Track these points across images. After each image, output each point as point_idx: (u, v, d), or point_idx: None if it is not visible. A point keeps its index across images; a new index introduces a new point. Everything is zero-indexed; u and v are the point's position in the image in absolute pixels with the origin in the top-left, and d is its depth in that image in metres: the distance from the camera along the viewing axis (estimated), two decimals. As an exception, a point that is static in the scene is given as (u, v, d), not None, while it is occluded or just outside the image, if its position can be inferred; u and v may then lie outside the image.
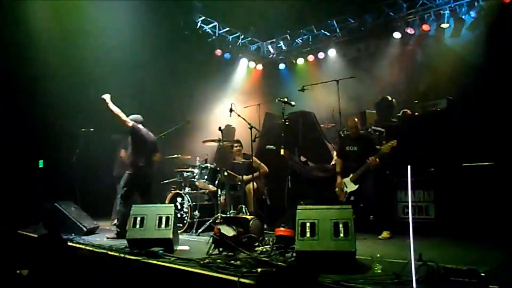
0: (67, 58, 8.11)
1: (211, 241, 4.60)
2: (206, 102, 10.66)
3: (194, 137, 8.76)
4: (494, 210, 5.23)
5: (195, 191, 7.30)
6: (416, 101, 7.62)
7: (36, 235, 5.66)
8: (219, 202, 6.76)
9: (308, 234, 3.74)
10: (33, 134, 7.91)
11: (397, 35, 9.88)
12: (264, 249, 4.66)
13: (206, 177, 6.88)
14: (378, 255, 3.59)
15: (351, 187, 6.02)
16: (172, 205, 5.50)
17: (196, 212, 6.78)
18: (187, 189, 7.28)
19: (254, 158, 6.68)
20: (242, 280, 3.21)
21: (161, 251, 4.38)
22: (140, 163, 6.31)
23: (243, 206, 6.29)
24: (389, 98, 8.82)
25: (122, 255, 4.43)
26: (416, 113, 7.39)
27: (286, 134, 6.14)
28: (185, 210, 6.88)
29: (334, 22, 10.79)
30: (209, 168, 6.94)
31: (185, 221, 6.80)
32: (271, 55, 12.50)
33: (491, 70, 7.56)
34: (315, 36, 11.43)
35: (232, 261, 3.83)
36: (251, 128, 6.23)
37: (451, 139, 6.09)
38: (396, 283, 3.07)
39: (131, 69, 8.81)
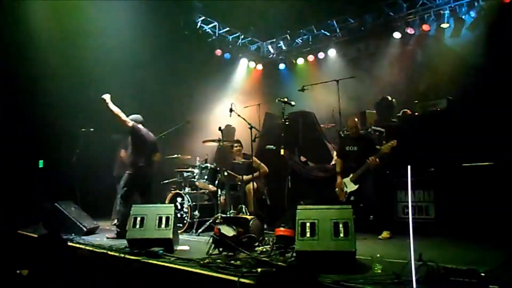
0: (67, 58, 8.11)
1: (211, 241, 4.60)
2: (206, 102, 10.66)
3: (194, 137, 8.76)
4: (494, 210, 5.23)
5: (195, 191, 7.30)
6: (416, 101, 7.62)
7: (36, 235, 5.66)
8: (219, 202, 6.76)
9: (308, 234, 3.74)
10: (33, 134, 7.91)
11: (397, 35, 9.88)
12: (264, 249, 4.66)
13: (206, 177, 6.88)
14: (378, 255, 3.59)
15: (351, 187, 6.02)
16: (172, 205, 5.50)
17: (196, 212, 6.78)
18: (187, 189, 7.28)
19: (254, 158, 6.68)
20: (242, 280, 3.21)
21: (161, 251, 4.38)
22: (140, 163, 6.31)
23: (243, 206, 6.29)
24: (389, 98, 8.82)
25: (122, 255, 4.43)
26: (416, 113, 7.39)
27: (286, 134, 6.14)
28: (185, 210, 6.88)
29: (334, 22, 10.80)
30: (209, 168, 6.94)
31: (185, 221, 6.80)
32: (271, 55, 12.51)
33: (491, 70, 7.56)
34: (315, 36, 11.43)
35: (232, 261, 3.83)
36: (251, 128, 6.23)
37: (451, 139, 6.09)
38: (396, 283, 3.07)
39: (131, 69, 8.81)
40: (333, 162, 7.14)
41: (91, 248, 5.01)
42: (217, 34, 11.23)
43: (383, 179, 6.39)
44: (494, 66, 7.59)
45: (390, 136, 6.66)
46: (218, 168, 6.94)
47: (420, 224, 6.00)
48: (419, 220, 6.05)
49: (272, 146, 7.26)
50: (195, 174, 7.14)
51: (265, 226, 6.14)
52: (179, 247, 5.02)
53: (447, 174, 6.01)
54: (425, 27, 9.49)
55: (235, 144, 7.36)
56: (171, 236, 4.73)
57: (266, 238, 5.18)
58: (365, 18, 10.29)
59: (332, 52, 11.10)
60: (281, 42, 12.13)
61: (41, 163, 8.27)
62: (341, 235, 3.67)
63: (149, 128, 6.70)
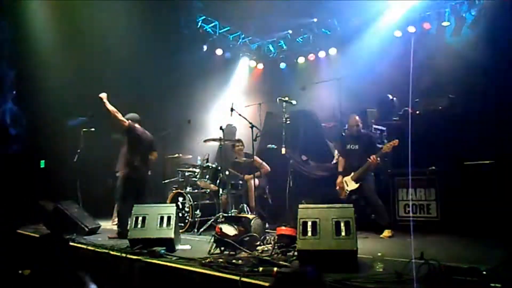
0: (68, 57, 8.13)
1: (212, 240, 4.60)
2: (207, 102, 10.66)
3: (195, 137, 8.77)
4: (496, 208, 5.22)
5: (196, 191, 7.31)
6: (418, 100, 7.60)
7: (37, 235, 5.67)
8: (220, 201, 6.76)
9: (309, 233, 3.74)
10: (34, 134, 7.92)
11: (398, 33, 9.85)
12: (266, 248, 4.66)
13: (207, 176, 6.88)
14: (379, 254, 3.59)
15: (352, 185, 6.02)
16: (174, 204, 5.51)
17: (198, 212, 6.79)
18: (188, 189, 7.29)
19: (255, 157, 6.68)
20: (243, 279, 3.21)
21: (162, 251, 4.39)
22: (135, 162, 6.27)
23: (245, 205, 6.28)
24: (390, 96, 8.81)
25: (124, 255, 4.43)
26: (418, 112, 7.38)
27: (287, 133, 6.15)
28: (186, 209, 6.89)
29: (335, 21, 10.77)
30: (210, 167, 6.94)
31: (186, 221, 6.80)
32: (272, 54, 12.48)
33: (492, 68, 7.55)
34: (316, 35, 11.41)
35: (234, 261, 3.83)
36: (252, 127, 6.23)
37: (452, 137, 6.09)
38: (398, 282, 3.06)
39: (131, 69, 8.81)
40: (334, 161, 7.14)
41: (93, 248, 5.01)
42: (217, 34, 11.22)
43: (385, 178, 6.39)
44: (495, 64, 7.57)
45: (392, 134, 6.66)
46: (219, 167, 6.95)
47: (422, 223, 6.01)
48: (421, 219, 6.05)
49: (273, 145, 7.26)
50: (196, 174, 7.15)
51: (267, 225, 6.15)
52: (181, 247, 5.02)
53: (448, 173, 6.01)
54: (426, 25, 9.46)
55: (237, 144, 7.37)
56: (172, 235, 4.74)
57: (267, 237, 5.18)
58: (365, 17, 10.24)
59: (333, 51, 11.08)
60: (282, 41, 12.11)
61: (42, 163, 8.29)
62: (343, 234, 3.67)
63: (150, 128, 6.70)
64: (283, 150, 5.85)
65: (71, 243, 5.26)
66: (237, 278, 3.25)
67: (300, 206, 4.03)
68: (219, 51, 11.42)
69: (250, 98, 10.25)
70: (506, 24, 7.77)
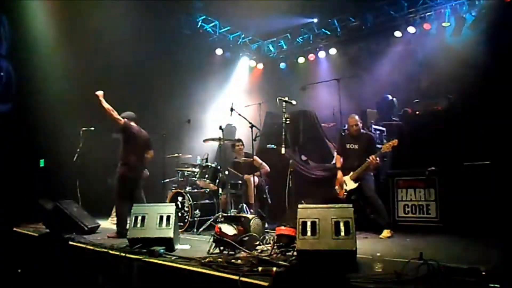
0: (67, 57, 8.12)
1: (212, 240, 4.59)
2: (206, 101, 10.67)
3: (195, 136, 8.77)
4: (496, 208, 5.23)
5: (196, 190, 7.31)
6: (417, 100, 7.61)
7: (37, 234, 5.67)
8: (220, 201, 6.76)
9: (309, 233, 3.73)
10: (34, 133, 7.92)
11: (398, 34, 9.87)
12: (265, 248, 4.66)
13: (207, 176, 6.88)
14: (378, 254, 3.58)
15: (350, 185, 6.01)
16: (173, 204, 5.49)
17: (197, 211, 6.78)
18: (188, 188, 7.28)
19: (255, 157, 6.68)
20: (242, 279, 3.21)
21: (162, 250, 4.38)
22: (131, 160, 6.26)
23: (244, 205, 6.27)
24: (390, 97, 8.82)
25: (123, 254, 4.42)
26: (417, 112, 7.39)
27: (287, 133, 6.13)
28: (186, 209, 6.88)
29: (335, 21, 10.78)
30: (210, 167, 6.94)
31: (186, 220, 6.80)
32: (272, 54, 12.50)
33: (492, 69, 7.56)
34: (316, 35, 11.42)
35: (233, 260, 3.82)
36: (251, 127, 6.23)
37: (452, 137, 6.10)
38: (397, 282, 3.06)
39: (131, 68, 8.81)
40: (333, 161, 7.15)
41: (92, 247, 5.01)
42: (217, 33, 11.22)
43: (384, 178, 6.39)
44: (495, 65, 7.58)
45: (391, 135, 6.67)
46: (219, 167, 6.94)
47: (421, 223, 6.01)
48: (420, 219, 6.05)
49: (273, 145, 7.26)
50: (196, 173, 7.15)
51: (266, 225, 6.14)
52: (180, 246, 5.02)
53: (448, 173, 6.01)
54: (426, 26, 9.48)
55: (237, 143, 7.37)
56: (172, 235, 4.73)
57: (267, 237, 5.17)
58: (366, 17, 10.28)
59: (333, 51, 11.10)
60: (282, 41, 12.12)
61: (42, 162, 8.28)
62: (342, 234, 3.67)
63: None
64: (283, 150, 5.83)
65: (70, 242, 5.26)
66: (236, 277, 3.24)
67: (300, 206, 4.02)
68: (219, 51, 11.43)
69: (250, 98, 10.27)
70: (506, 24, 7.78)
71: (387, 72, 9.88)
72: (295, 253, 3.85)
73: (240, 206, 6.62)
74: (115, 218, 6.43)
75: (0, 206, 6.75)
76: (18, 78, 7.85)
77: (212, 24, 11.08)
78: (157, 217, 4.84)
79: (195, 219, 6.70)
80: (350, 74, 8.58)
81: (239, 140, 7.42)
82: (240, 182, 6.91)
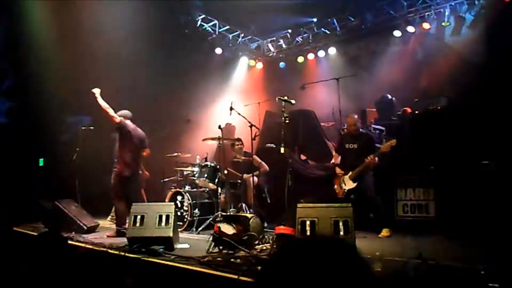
0: (67, 56, 8.11)
1: (211, 239, 4.60)
2: (206, 101, 10.65)
3: (194, 136, 8.76)
4: (495, 208, 5.23)
5: (195, 190, 7.31)
6: (416, 99, 7.61)
7: (36, 234, 5.67)
8: (219, 200, 6.76)
9: (308, 232, 3.74)
10: (33, 132, 7.91)
11: (397, 33, 9.87)
12: (264, 248, 4.67)
13: (206, 175, 6.88)
14: (377, 253, 3.59)
15: (349, 185, 6.02)
16: (172, 203, 5.50)
17: (196, 211, 6.79)
18: (187, 188, 7.28)
19: (254, 156, 6.68)
20: (242, 278, 3.21)
21: (161, 249, 4.39)
22: (127, 158, 6.26)
23: (243, 204, 6.27)
24: (389, 96, 8.82)
25: (123, 254, 4.43)
26: (416, 111, 7.39)
27: (286, 132, 6.13)
28: (185, 208, 6.88)
29: (335, 20, 10.78)
30: (209, 166, 6.95)
31: (185, 219, 6.80)
32: (271, 53, 12.48)
33: (491, 69, 7.56)
34: (316, 34, 11.41)
35: (232, 259, 3.83)
36: (251, 126, 6.24)
37: (451, 137, 6.10)
38: (396, 281, 3.07)
39: (131, 67, 8.80)
40: (333, 160, 7.15)
41: (91, 247, 5.01)
42: (217, 33, 11.21)
43: (383, 177, 6.40)
44: (494, 65, 7.58)
45: (391, 134, 6.67)
46: (218, 166, 6.95)
47: (420, 222, 6.01)
48: (419, 218, 6.05)
49: (272, 145, 7.27)
50: (195, 173, 7.15)
51: (265, 224, 6.15)
52: (179, 245, 5.03)
53: (447, 172, 6.02)
54: (426, 25, 9.48)
55: (237, 143, 7.37)
56: (171, 234, 4.74)
57: (266, 236, 5.19)
58: (365, 17, 10.27)
59: (332, 51, 11.08)
60: (281, 40, 12.11)
61: (41, 162, 8.28)
62: (341, 233, 3.68)
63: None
64: (282, 149, 5.84)
65: (69, 242, 5.26)
66: (236, 277, 3.25)
67: (299, 205, 4.03)
68: (218, 50, 11.42)
69: (249, 97, 10.25)
70: (506, 24, 7.78)
71: (387, 72, 9.87)
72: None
73: (239, 206, 6.62)
74: (115, 218, 6.43)
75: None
76: (18, 77, 7.83)
77: (212, 23, 11.07)
78: (157, 217, 4.85)
79: (194, 218, 6.70)
80: (350, 73, 8.54)
81: (239, 140, 7.42)
82: (239, 181, 6.92)
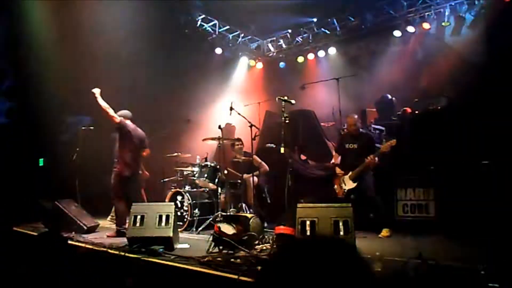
0: (67, 56, 8.11)
1: (211, 239, 4.60)
2: (206, 101, 10.65)
3: (194, 136, 8.76)
4: (495, 208, 5.23)
5: (195, 190, 7.31)
6: (416, 99, 7.61)
7: (36, 234, 5.66)
8: (219, 200, 6.76)
9: (308, 232, 3.74)
10: (33, 132, 7.92)
11: (397, 33, 9.87)
12: (264, 248, 4.67)
13: (206, 175, 6.88)
14: (377, 253, 3.59)
15: (349, 185, 6.02)
16: (172, 203, 5.49)
17: (196, 211, 6.78)
18: (187, 188, 7.28)
19: (254, 156, 6.68)
20: (242, 278, 3.21)
21: (161, 249, 4.39)
22: (127, 158, 6.26)
23: (243, 204, 6.27)
24: (389, 96, 8.82)
25: (123, 254, 4.43)
26: (416, 111, 7.39)
27: (286, 132, 6.14)
28: (185, 208, 6.88)
29: (335, 20, 10.77)
30: (209, 166, 6.94)
31: (185, 219, 6.79)
32: (272, 53, 12.48)
33: (491, 69, 7.56)
34: (316, 34, 11.41)
35: (232, 259, 3.83)
36: (251, 126, 6.24)
37: (451, 137, 6.10)
38: (396, 281, 3.07)
39: (131, 67, 8.80)
40: (333, 160, 7.15)
41: (91, 247, 5.01)
42: (217, 33, 11.21)
43: (383, 177, 6.40)
44: (494, 65, 7.58)
45: (391, 134, 6.67)
46: (218, 166, 6.95)
47: (420, 222, 6.01)
48: (419, 218, 6.05)
49: (272, 145, 7.27)
50: (195, 173, 7.15)
51: (265, 224, 6.15)
52: (179, 245, 5.03)
53: (447, 172, 6.02)
54: (426, 25, 9.47)
55: (237, 143, 7.37)
56: (171, 234, 4.74)
57: (266, 236, 5.19)
58: (365, 17, 10.27)
59: (332, 51, 11.08)
60: (281, 40, 12.11)
61: (41, 162, 8.28)
62: (341, 233, 3.68)
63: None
64: (282, 149, 5.85)
65: (69, 242, 5.26)
66: (236, 277, 3.25)
67: (299, 205, 4.03)
68: (218, 50, 11.42)
69: (249, 97, 10.24)
70: (506, 24, 7.78)
71: (387, 72, 9.87)
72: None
73: (239, 206, 6.62)
74: (115, 218, 6.44)
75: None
76: (18, 77, 7.84)
77: (212, 23, 11.07)
78: (156, 217, 4.85)
79: (194, 218, 6.70)
80: (350, 73, 8.54)
81: (239, 140, 7.42)
82: (239, 181, 6.92)
